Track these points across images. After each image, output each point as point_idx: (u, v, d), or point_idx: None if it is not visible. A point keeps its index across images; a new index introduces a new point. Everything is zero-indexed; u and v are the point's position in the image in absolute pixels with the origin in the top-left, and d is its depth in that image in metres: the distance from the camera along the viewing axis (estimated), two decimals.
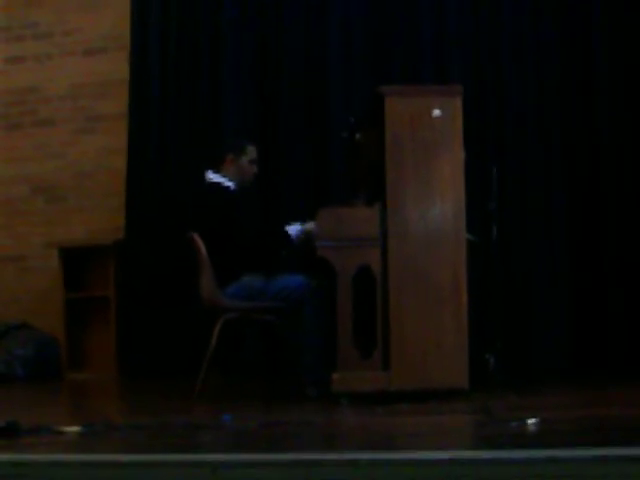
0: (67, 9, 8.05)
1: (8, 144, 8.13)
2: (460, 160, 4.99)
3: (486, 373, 5.54)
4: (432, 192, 4.97)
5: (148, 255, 7.35)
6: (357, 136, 5.64)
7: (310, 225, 5.25)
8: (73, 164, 7.96)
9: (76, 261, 7.73)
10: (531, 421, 3.75)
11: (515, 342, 6.51)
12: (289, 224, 5.42)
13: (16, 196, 8.07)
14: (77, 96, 7.99)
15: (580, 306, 6.69)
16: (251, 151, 5.73)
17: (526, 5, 6.96)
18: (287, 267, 5.55)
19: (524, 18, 6.94)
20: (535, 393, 5.32)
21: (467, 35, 7.00)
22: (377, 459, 2.89)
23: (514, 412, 4.21)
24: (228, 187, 5.60)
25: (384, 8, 7.15)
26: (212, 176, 5.64)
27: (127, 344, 7.37)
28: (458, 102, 5.00)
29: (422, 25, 7.06)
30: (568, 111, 6.86)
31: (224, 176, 5.63)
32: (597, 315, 6.65)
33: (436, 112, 4.97)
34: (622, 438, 3.36)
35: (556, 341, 6.65)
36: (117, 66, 7.78)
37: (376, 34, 7.15)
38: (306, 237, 5.27)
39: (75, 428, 3.88)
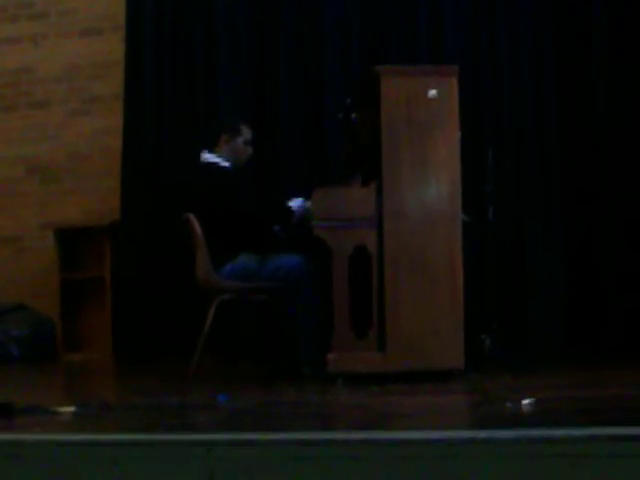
0: None
1: (3, 125, 8.08)
2: (456, 140, 4.98)
3: (482, 354, 5.55)
4: (428, 172, 4.96)
5: (144, 236, 7.33)
6: (353, 116, 5.62)
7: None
8: (68, 145, 7.93)
9: (72, 242, 7.72)
10: (526, 401, 3.76)
11: (511, 323, 6.52)
12: (291, 199, 5.42)
13: (11, 177, 8.04)
14: (72, 77, 7.95)
15: (576, 287, 6.69)
16: (246, 132, 5.71)
17: None
18: (283, 247, 5.54)
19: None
20: (531, 373, 5.32)
21: (464, 16, 6.97)
22: (372, 439, 2.89)
23: (510, 392, 4.22)
24: (224, 167, 5.59)
25: None
26: (207, 156, 5.63)
27: (122, 325, 7.36)
28: (454, 82, 4.98)
29: (418, 6, 7.03)
30: (565, 94, 6.83)
31: (219, 156, 5.61)
32: (593, 296, 6.66)
33: (432, 92, 4.96)
34: (617, 418, 3.36)
35: (552, 322, 6.66)
36: (113, 47, 7.74)
37: (372, 15, 7.11)
38: (307, 213, 5.25)
39: (70, 408, 3.88)
